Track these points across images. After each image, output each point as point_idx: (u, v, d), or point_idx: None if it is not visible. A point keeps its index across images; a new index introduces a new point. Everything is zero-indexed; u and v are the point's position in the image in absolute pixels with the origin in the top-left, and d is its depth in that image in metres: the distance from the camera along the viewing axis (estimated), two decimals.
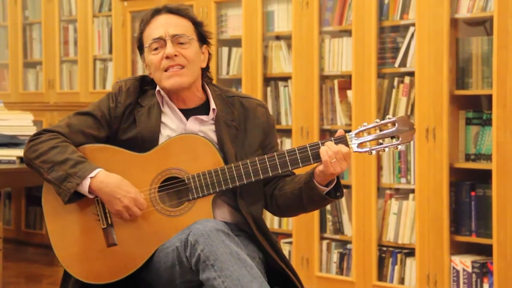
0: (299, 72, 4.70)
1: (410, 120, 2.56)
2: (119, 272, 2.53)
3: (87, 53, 6.16)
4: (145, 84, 2.70)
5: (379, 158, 4.40)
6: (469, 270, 4.06)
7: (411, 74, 4.29)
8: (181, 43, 2.62)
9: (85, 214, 2.56)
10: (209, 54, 2.71)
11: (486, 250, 4.04)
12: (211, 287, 2.34)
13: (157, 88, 2.66)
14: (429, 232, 4.14)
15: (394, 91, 4.38)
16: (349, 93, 4.54)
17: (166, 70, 2.60)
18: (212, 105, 2.65)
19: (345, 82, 4.61)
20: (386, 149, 2.54)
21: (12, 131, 4.78)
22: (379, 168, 4.41)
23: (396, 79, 4.38)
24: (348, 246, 4.59)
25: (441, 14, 4.08)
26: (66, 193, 2.50)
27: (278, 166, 2.54)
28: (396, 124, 2.54)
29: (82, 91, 6.15)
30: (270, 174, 2.55)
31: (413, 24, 4.25)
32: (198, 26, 2.67)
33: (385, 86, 4.42)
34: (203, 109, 2.67)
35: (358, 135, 2.55)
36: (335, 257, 4.65)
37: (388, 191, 4.43)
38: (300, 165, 2.54)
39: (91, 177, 2.50)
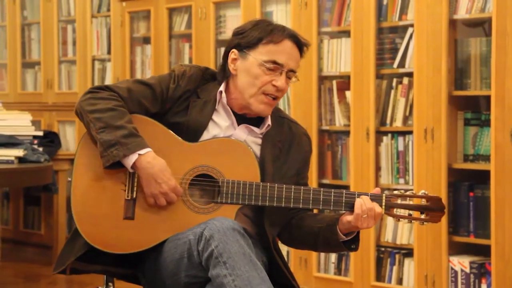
0: (297, 73, 4.69)
1: (443, 202, 2.59)
2: (125, 246, 2.53)
3: (86, 53, 6.16)
4: (206, 76, 2.69)
5: (377, 158, 4.41)
6: (467, 270, 4.07)
7: (409, 75, 4.30)
8: (289, 78, 2.63)
9: (114, 180, 2.55)
10: None
11: (484, 251, 4.04)
12: (220, 284, 2.34)
13: (220, 88, 2.65)
14: (427, 232, 4.15)
15: (392, 91, 4.39)
16: (348, 93, 4.55)
17: (264, 94, 2.60)
18: (268, 121, 2.66)
19: (344, 82, 4.61)
20: (412, 221, 2.58)
21: (10, 131, 4.79)
22: (378, 168, 4.42)
23: (394, 80, 4.39)
24: None
25: (439, 15, 4.09)
26: (110, 159, 2.48)
27: (310, 201, 2.56)
28: (429, 202, 2.57)
29: (81, 91, 6.14)
30: (300, 206, 2.57)
31: (412, 25, 4.26)
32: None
33: (384, 87, 4.42)
34: (256, 121, 2.67)
35: (392, 198, 2.57)
36: (333, 257, 4.65)
37: (386, 192, 4.43)
38: (331, 208, 2.56)
39: (139, 154, 2.49)
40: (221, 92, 2.64)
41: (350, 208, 2.53)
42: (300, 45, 2.64)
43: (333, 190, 2.57)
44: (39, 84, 6.55)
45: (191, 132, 2.60)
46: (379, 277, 4.42)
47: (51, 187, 5.49)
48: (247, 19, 4.88)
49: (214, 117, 2.64)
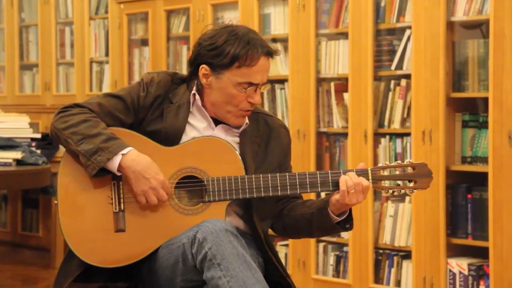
0: (295, 75, 4.71)
1: (429, 168, 2.60)
2: (121, 259, 2.53)
3: (84, 55, 6.16)
4: (176, 80, 2.68)
5: (375, 160, 4.40)
6: (466, 272, 4.07)
7: (407, 76, 4.30)
8: (260, 88, 2.61)
9: (99, 195, 2.54)
10: None
11: (482, 253, 4.04)
12: (216, 286, 2.34)
13: (193, 91, 2.64)
14: (426, 234, 4.15)
15: (390, 93, 4.39)
16: (346, 95, 4.55)
17: (241, 110, 2.59)
18: (246, 119, 2.65)
19: (342, 84, 4.61)
20: (402, 191, 2.59)
21: (9, 134, 4.79)
22: None
23: (392, 82, 4.39)
24: (345, 248, 4.59)
25: (437, 17, 4.09)
26: (95, 166, 2.48)
27: (298, 186, 2.56)
28: (416, 169, 2.59)
29: (79, 94, 6.15)
30: (288, 192, 2.57)
31: (410, 27, 4.26)
32: None
33: (382, 89, 4.42)
34: None
35: (378, 171, 2.58)
36: (331, 259, 4.65)
37: (384, 194, 4.43)
38: (319, 189, 2.57)
39: (122, 154, 2.49)
40: (194, 94, 2.64)
41: (338, 187, 2.54)
42: (272, 57, 2.60)
43: (318, 172, 2.58)
44: (37, 86, 6.55)
45: (169, 138, 2.59)
46: (378, 279, 4.42)
47: (49, 190, 5.48)
48: (244, 21, 4.90)
49: (190, 119, 2.64)
